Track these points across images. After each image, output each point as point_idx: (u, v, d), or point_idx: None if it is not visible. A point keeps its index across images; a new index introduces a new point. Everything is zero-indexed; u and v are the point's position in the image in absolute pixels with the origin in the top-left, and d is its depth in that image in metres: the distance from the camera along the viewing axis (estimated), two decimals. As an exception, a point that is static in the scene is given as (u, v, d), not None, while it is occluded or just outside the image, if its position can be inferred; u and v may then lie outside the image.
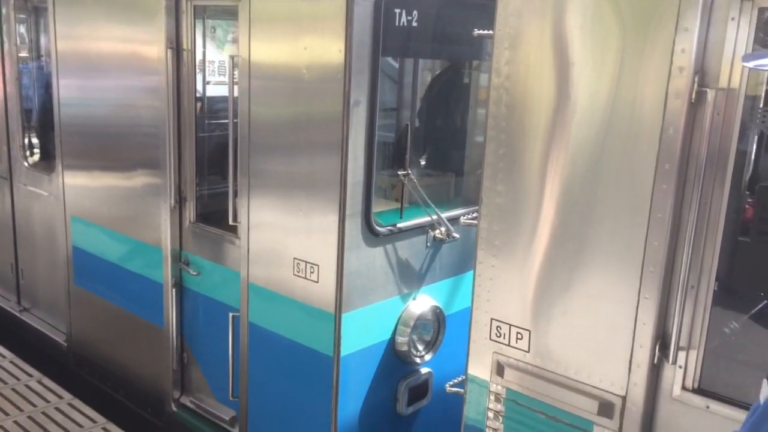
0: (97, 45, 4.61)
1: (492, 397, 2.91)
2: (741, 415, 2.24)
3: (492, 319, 2.87)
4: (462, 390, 3.08)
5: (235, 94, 3.78)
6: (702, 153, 2.28)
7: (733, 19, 2.19)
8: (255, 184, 3.74)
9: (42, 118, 5.85)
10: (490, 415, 2.93)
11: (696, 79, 2.25)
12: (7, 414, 4.62)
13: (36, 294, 5.93)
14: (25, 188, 5.75)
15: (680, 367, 2.47)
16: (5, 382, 5.03)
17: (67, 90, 4.95)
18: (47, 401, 4.81)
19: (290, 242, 3.63)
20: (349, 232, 3.44)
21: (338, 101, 3.28)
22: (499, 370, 2.87)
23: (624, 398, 2.56)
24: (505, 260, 2.79)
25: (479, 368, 2.95)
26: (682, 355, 2.46)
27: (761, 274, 3.22)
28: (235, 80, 3.78)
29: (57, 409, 4.72)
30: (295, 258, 3.63)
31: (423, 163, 4.33)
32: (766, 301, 3.20)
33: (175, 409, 4.60)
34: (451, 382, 3.34)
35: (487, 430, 2.96)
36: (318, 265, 3.53)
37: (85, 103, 4.87)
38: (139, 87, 4.36)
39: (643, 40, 2.33)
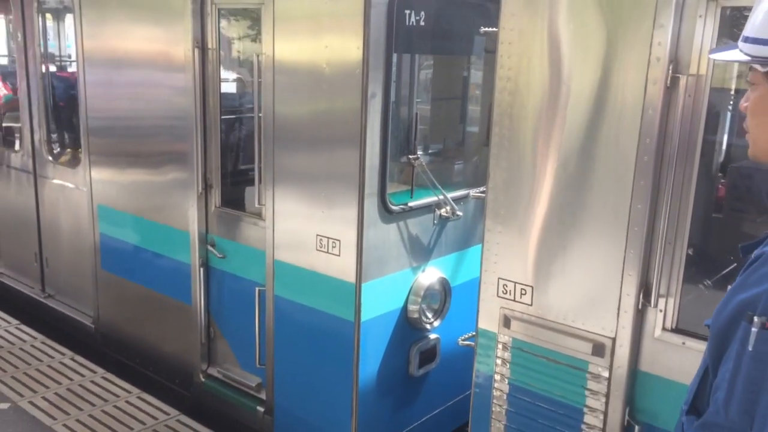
0: (123, 45, 4.98)
1: (500, 347, 3.35)
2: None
3: (499, 278, 3.31)
4: (473, 343, 3.52)
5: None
6: (676, 129, 2.73)
7: (700, 16, 2.64)
8: (279, 170, 4.14)
9: (65, 116, 6.22)
10: (498, 362, 3.37)
11: (670, 67, 2.70)
12: (47, 387, 5.00)
13: (61, 281, 6.29)
14: (50, 181, 6.10)
15: (660, 311, 2.92)
16: (40, 360, 5.42)
17: (93, 88, 5.33)
18: (82, 375, 5.20)
19: (313, 221, 4.04)
20: (368, 210, 3.85)
21: (357, 94, 3.70)
22: (506, 322, 3.31)
23: (614, 339, 3.00)
24: (510, 227, 3.23)
25: (488, 322, 3.38)
26: (662, 300, 2.91)
27: (732, 244, 3.70)
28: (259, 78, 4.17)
29: (92, 382, 5.12)
30: (317, 234, 4.04)
31: (424, 150, 4.75)
32: (734, 264, 3.70)
33: (203, 379, 5.00)
34: (462, 337, 3.77)
35: (495, 375, 3.40)
36: (339, 240, 3.95)
37: (111, 101, 5.24)
38: (167, 84, 4.74)
39: (626, 35, 2.77)
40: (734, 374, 1.44)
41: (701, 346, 2.80)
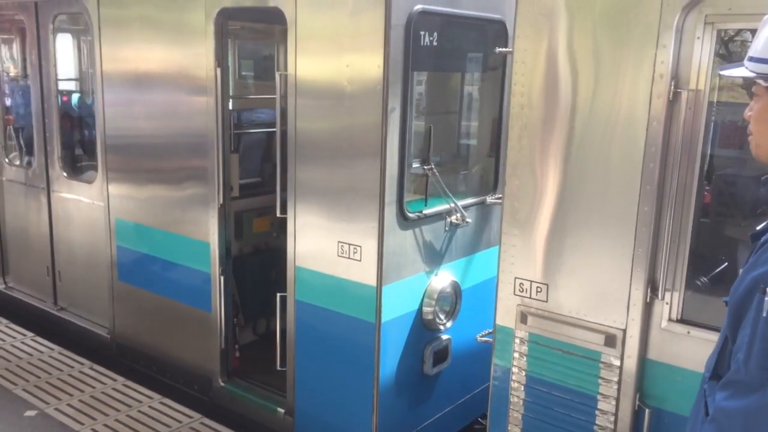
0: (144, 64, 5.22)
1: (517, 341, 3.62)
2: (713, 336, 2.99)
3: (516, 277, 3.59)
4: (490, 339, 3.79)
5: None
6: (679, 138, 3.05)
7: (698, 37, 2.96)
8: (301, 182, 4.39)
9: (79, 134, 6.43)
10: (516, 356, 3.64)
11: (672, 83, 3.01)
12: (70, 395, 5.17)
13: (74, 293, 6.46)
14: (63, 196, 6.29)
15: (667, 303, 3.21)
16: (60, 370, 5.58)
17: (112, 107, 5.55)
18: (103, 383, 5.38)
19: (335, 229, 4.29)
20: (387, 217, 4.12)
21: (378, 109, 3.97)
22: (523, 318, 3.58)
23: (624, 331, 3.29)
24: (526, 229, 3.52)
25: (506, 319, 3.66)
26: (668, 294, 3.21)
27: (720, 245, 4.04)
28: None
29: (114, 389, 5.29)
30: (339, 241, 4.29)
31: (434, 160, 5.04)
32: (726, 263, 4.04)
33: (222, 384, 5.20)
34: (480, 334, 4.03)
35: (513, 368, 3.66)
36: (361, 246, 4.20)
37: (130, 119, 5.46)
38: (187, 102, 4.98)
39: (632, 54, 3.08)
40: (752, 337, 1.72)
41: (704, 335, 3.12)
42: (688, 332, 3.18)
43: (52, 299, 6.66)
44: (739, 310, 1.80)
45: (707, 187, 4.11)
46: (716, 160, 4.10)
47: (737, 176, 4.45)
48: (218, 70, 4.73)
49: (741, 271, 1.90)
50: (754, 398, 1.70)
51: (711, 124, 3.24)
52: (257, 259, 5.81)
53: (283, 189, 4.50)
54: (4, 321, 6.53)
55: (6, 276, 7.22)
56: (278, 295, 4.68)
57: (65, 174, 6.27)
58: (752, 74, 1.89)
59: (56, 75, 6.20)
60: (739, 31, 3.37)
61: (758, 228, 1.96)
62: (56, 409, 4.97)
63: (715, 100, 3.71)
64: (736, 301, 1.81)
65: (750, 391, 1.71)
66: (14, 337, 6.17)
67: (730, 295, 1.88)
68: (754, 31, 3.46)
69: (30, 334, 6.26)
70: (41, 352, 5.90)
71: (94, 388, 5.30)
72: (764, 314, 1.68)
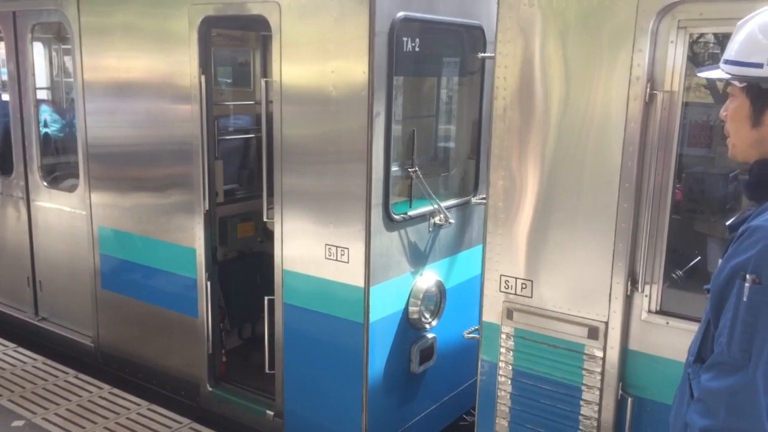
0: (127, 73, 5.25)
1: (503, 337, 3.74)
2: (692, 326, 3.13)
3: (501, 275, 3.71)
4: (477, 336, 3.90)
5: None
6: (655, 138, 3.19)
7: (672, 42, 3.11)
8: (287, 188, 4.46)
9: (59, 144, 6.42)
10: (503, 351, 3.76)
11: (648, 86, 3.16)
12: (57, 404, 5.17)
13: (56, 303, 6.43)
14: (44, 206, 6.27)
15: (646, 296, 3.36)
16: (45, 380, 5.57)
17: (94, 116, 5.56)
18: (89, 392, 5.38)
19: (322, 232, 4.37)
20: (374, 219, 4.21)
21: (363, 114, 4.07)
22: (509, 314, 3.70)
23: (606, 323, 3.42)
24: (510, 228, 3.64)
25: (492, 315, 3.77)
26: (647, 287, 3.35)
27: (691, 241, 4.22)
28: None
29: (101, 397, 5.30)
30: (326, 244, 4.37)
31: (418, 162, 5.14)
32: (699, 257, 4.22)
33: (210, 388, 5.24)
34: (467, 330, 4.14)
35: (500, 363, 3.78)
36: (348, 248, 4.29)
37: (113, 128, 5.48)
38: (171, 110, 5.02)
39: (610, 58, 3.22)
40: (733, 321, 1.85)
41: (683, 325, 3.27)
42: (667, 323, 3.32)
43: (33, 309, 6.62)
44: (720, 296, 1.93)
45: (678, 185, 4.29)
46: (685, 158, 4.28)
47: (706, 174, 4.64)
48: (203, 78, 4.79)
49: (720, 260, 2.03)
50: (737, 378, 1.83)
51: (684, 124, 3.39)
52: (242, 264, 5.86)
53: (270, 194, 4.57)
54: (-16, 333, 6.49)
55: (-16, 288, 7.16)
56: (266, 298, 4.75)
57: (45, 183, 6.25)
58: (728, 76, 2.03)
59: (35, 84, 6.19)
60: (702, 35, 3.55)
61: (735, 219, 2.09)
62: (44, 418, 4.96)
63: (685, 101, 3.89)
64: (718, 288, 1.94)
65: (733, 372, 1.84)
66: (-4, 349, 6.14)
67: (711, 282, 2.01)
68: (722, 35, 3.66)
69: (12, 345, 6.22)
70: (24, 362, 5.87)
71: (80, 396, 5.29)
72: (745, 299, 1.81)
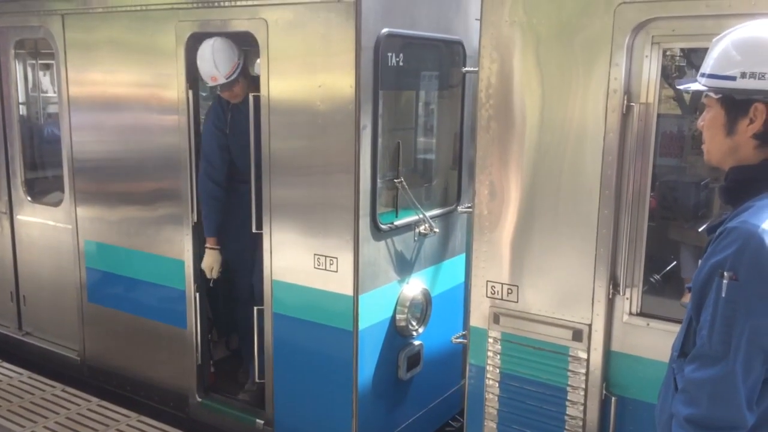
0: (113, 87, 5.31)
1: (491, 341, 3.86)
2: (671, 327, 3.29)
3: (487, 281, 3.84)
4: (464, 340, 4.02)
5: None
6: (632, 147, 3.36)
7: (647, 56, 3.28)
8: (276, 199, 4.55)
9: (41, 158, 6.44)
10: (490, 354, 3.88)
11: (625, 98, 3.32)
12: (46, 417, 5.17)
13: (40, 317, 6.42)
14: (27, 220, 6.27)
15: (627, 298, 3.50)
16: (32, 394, 5.56)
17: (79, 131, 5.60)
18: (77, 405, 5.38)
19: (311, 242, 4.46)
20: (362, 229, 4.32)
21: (350, 127, 4.19)
22: (495, 319, 3.83)
23: (590, 326, 3.56)
24: (496, 235, 3.77)
25: (479, 320, 3.89)
26: (628, 290, 3.50)
27: (666, 247, 4.40)
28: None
29: (89, 410, 5.31)
30: (315, 254, 4.47)
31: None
32: (675, 262, 4.39)
33: (199, 399, 5.28)
34: (455, 336, 4.26)
35: (487, 366, 3.90)
36: (337, 258, 4.39)
37: (99, 142, 5.53)
38: (158, 124, 5.09)
39: (588, 72, 3.38)
40: (713, 316, 1.99)
41: (662, 326, 3.42)
42: (648, 324, 3.47)
43: (16, 324, 6.60)
44: (701, 293, 2.07)
45: (652, 194, 4.47)
46: (658, 168, 4.46)
47: (678, 182, 4.83)
48: (190, 92, 4.87)
49: (701, 261, 2.17)
50: (718, 368, 1.97)
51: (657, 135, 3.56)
52: (228, 275, 5.91)
53: (258, 205, 4.66)
54: (-33, 349, 6.45)
55: (-34, 304, 7.11)
56: (255, 308, 4.82)
57: (29, 198, 6.26)
58: (704, 88, 2.19)
59: (18, 98, 6.21)
60: (684, 51, 3.74)
61: (711, 222, 2.25)
62: (33, 431, 4.97)
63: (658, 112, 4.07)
64: (699, 285, 2.09)
65: (714, 363, 1.98)
66: (-21, 365, 6.11)
67: (692, 280, 2.15)
68: (695, 50, 3.84)
69: (-5, 360, 6.20)
70: (10, 377, 5.85)
71: (68, 410, 5.30)
72: (723, 295, 1.96)
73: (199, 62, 4.78)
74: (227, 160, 5.03)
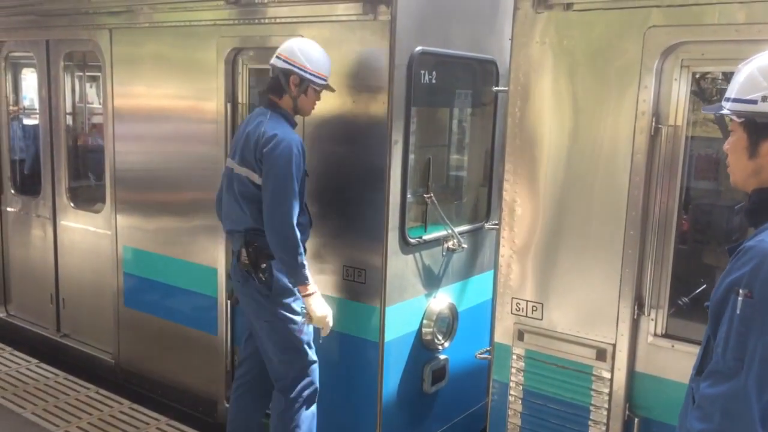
0: (156, 100, 5.50)
1: (515, 358, 3.89)
2: (695, 349, 3.28)
3: (512, 297, 3.87)
4: (488, 356, 4.06)
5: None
6: (660, 169, 3.38)
7: (676, 79, 3.31)
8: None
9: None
10: (513, 371, 3.91)
11: (653, 120, 3.35)
12: (79, 418, 5.33)
13: (78, 320, 6.62)
14: (70, 226, 6.50)
15: (652, 319, 3.51)
16: (67, 395, 5.73)
17: (122, 141, 5.81)
18: (110, 407, 5.54)
19: (340, 253, 4.56)
20: (391, 242, 4.40)
21: (382, 142, 4.28)
22: (520, 336, 3.86)
23: (614, 345, 3.57)
24: (522, 253, 3.81)
25: (503, 337, 3.93)
26: (653, 311, 3.50)
27: (697, 270, 4.37)
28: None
29: (121, 412, 5.45)
30: (344, 265, 4.55)
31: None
32: (704, 285, 4.36)
33: (228, 405, 5.38)
34: (479, 351, 4.29)
35: (511, 383, 3.92)
36: (365, 270, 4.47)
37: (140, 154, 5.72)
38: (198, 136, 5.25)
39: (618, 94, 3.42)
40: (728, 332, 2.02)
41: (688, 348, 3.41)
42: (672, 346, 3.47)
43: (55, 326, 6.81)
44: (718, 310, 2.10)
45: (685, 216, 4.46)
46: (692, 191, 4.45)
47: (712, 206, 4.80)
48: (228, 105, 5.02)
49: (719, 278, 2.20)
50: (731, 385, 2.00)
51: (688, 157, 3.58)
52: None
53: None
54: (8, 348, 6.67)
55: (8, 304, 7.36)
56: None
57: (72, 204, 6.48)
58: (728, 112, 2.23)
59: (65, 109, 6.46)
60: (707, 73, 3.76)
61: (733, 243, 2.27)
62: (66, 431, 5.12)
63: (691, 135, 4.08)
64: (716, 303, 2.12)
65: (727, 379, 2.01)
66: (19, 364, 6.31)
67: (710, 299, 2.18)
68: (724, 74, 3.85)
69: (34, 360, 6.40)
70: (47, 377, 6.04)
71: (101, 411, 5.45)
72: (738, 312, 1.99)
73: (315, 55, 4.17)
74: None
